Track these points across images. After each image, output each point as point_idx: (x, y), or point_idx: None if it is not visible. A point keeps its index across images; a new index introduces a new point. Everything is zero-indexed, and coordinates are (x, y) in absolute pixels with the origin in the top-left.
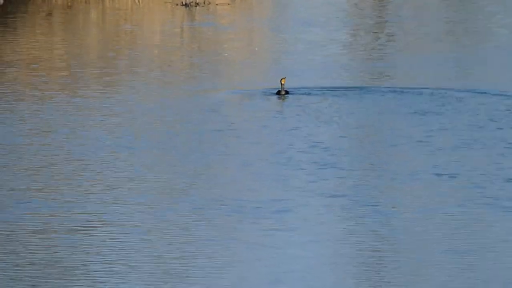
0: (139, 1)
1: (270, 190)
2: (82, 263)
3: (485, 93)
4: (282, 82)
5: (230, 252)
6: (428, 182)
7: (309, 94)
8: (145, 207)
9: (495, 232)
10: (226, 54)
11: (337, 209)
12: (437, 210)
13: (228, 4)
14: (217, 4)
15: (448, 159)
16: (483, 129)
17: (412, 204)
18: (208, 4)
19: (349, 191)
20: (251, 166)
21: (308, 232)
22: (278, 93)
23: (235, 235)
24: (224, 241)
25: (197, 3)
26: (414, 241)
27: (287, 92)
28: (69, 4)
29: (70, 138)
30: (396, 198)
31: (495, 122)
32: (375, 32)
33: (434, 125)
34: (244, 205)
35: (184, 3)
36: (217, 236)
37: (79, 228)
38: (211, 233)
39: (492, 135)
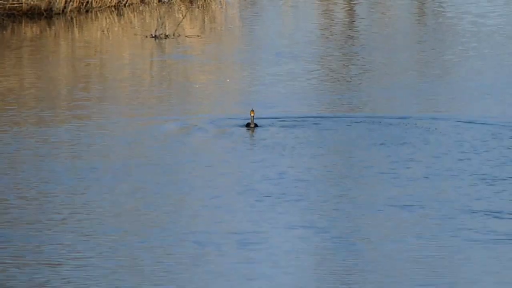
0: (108, 33)
1: (238, 222)
2: None
3: (454, 121)
4: (252, 115)
5: (199, 284)
6: (397, 213)
7: (279, 126)
8: (116, 239)
9: (465, 263)
10: (196, 86)
11: (306, 241)
12: (406, 241)
13: (198, 36)
14: (186, 36)
15: (418, 190)
16: (452, 159)
17: (381, 235)
18: (178, 36)
19: (318, 223)
20: (219, 198)
21: (277, 264)
22: (247, 125)
23: (204, 267)
24: (192, 273)
25: (167, 35)
26: (383, 272)
27: (256, 125)
28: (38, 36)
29: (40, 170)
30: (366, 229)
31: (464, 152)
32: (346, 62)
33: (403, 155)
34: (211, 237)
35: (153, 35)
36: (186, 269)
37: (49, 260)
38: (180, 266)
39: (461, 165)
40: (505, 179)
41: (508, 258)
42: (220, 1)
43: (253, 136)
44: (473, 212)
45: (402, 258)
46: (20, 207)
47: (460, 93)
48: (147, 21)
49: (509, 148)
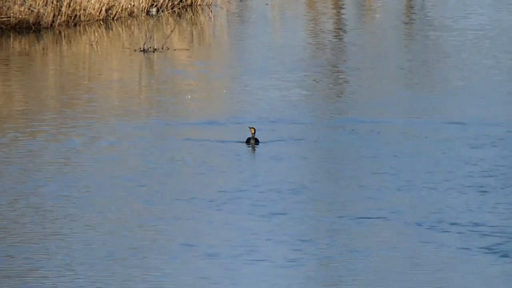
0: (96, 47)
1: (227, 235)
2: None
3: (442, 128)
4: (252, 131)
5: None
6: (385, 224)
7: (279, 140)
8: (105, 252)
9: (449, 275)
10: (188, 97)
11: (292, 253)
12: (396, 251)
13: (187, 49)
14: (175, 50)
15: (404, 201)
16: (439, 169)
17: (366, 246)
18: (167, 49)
19: (302, 234)
20: (214, 211)
21: (267, 277)
22: (248, 141)
23: (191, 279)
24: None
25: (155, 49)
26: (367, 284)
27: (257, 141)
28: (27, 50)
29: (25, 182)
30: (351, 241)
31: (452, 162)
32: (335, 72)
33: (392, 165)
34: (203, 249)
35: (142, 49)
36: (178, 279)
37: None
38: (171, 274)
39: (448, 176)
40: (489, 191)
41: (490, 272)
42: (208, 14)
43: (252, 151)
44: (457, 225)
45: (394, 268)
46: (8, 220)
47: (448, 101)
48: (135, 34)
49: (496, 157)
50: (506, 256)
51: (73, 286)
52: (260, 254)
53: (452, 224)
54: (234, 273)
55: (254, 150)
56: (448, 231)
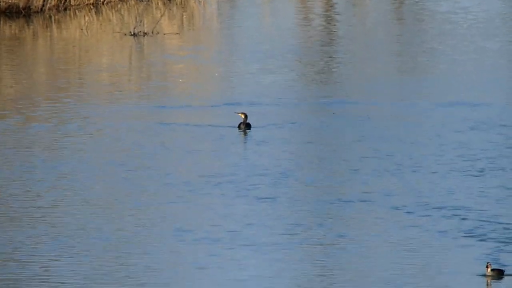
0: (87, 31)
1: (217, 219)
2: None
3: (432, 112)
4: (242, 116)
5: (181, 282)
6: (372, 208)
7: (269, 125)
8: (93, 233)
9: (438, 256)
10: (180, 80)
11: (285, 237)
12: (382, 234)
13: (177, 33)
14: (165, 34)
15: (392, 185)
16: (427, 153)
17: (356, 230)
18: (157, 34)
19: (288, 218)
20: (204, 195)
21: (256, 260)
22: (239, 126)
23: (183, 261)
24: (173, 269)
25: (145, 33)
26: (355, 267)
27: (248, 126)
28: (17, 34)
29: (13, 167)
30: (344, 224)
31: (437, 149)
32: (325, 57)
33: (378, 149)
34: (192, 234)
35: (132, 33)
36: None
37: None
38: (160, 259)
39: (433, 161)
40: (476, 176)
41: (469, 255)
42: None
43: (244, 136)
44: (442, 209)
45: (378, 252)
46: (1, 203)
47: (437, 85)
48: (125, 18)
49: (484, 141)
50: (483, 240)
51: (64, 271)
52: (249, 238)
53: (436, 208)
54: (223, 257)
55: (246, 134)
56: (432, 215)
